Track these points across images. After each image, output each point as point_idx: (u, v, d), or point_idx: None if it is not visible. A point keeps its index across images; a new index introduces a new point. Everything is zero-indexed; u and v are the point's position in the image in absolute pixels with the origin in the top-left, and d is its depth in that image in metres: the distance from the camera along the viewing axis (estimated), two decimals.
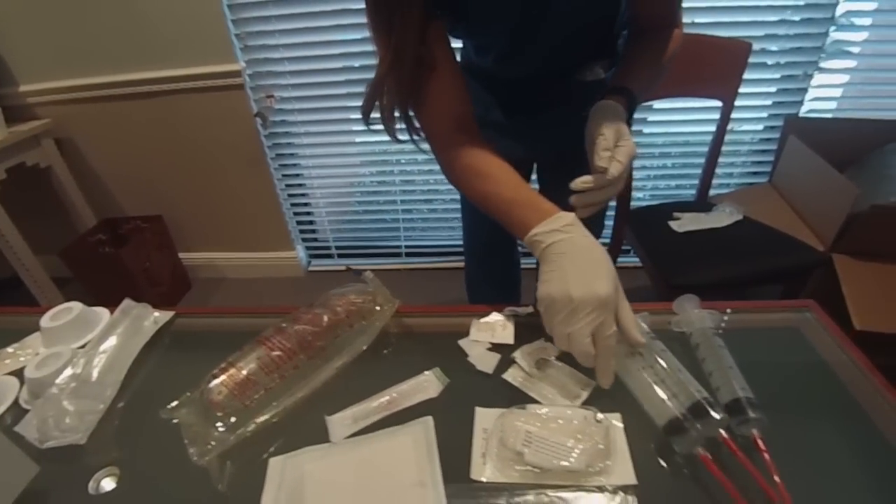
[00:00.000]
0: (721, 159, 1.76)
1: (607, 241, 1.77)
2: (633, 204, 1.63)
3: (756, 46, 1.62)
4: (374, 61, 0.66)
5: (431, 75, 0.66)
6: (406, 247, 2.28)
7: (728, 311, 0.74)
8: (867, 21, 1.64)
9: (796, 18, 1.62)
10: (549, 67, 0.82)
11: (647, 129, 1.91)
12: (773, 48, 1.68)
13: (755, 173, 1.96)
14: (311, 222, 2.28)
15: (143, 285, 2.00)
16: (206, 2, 1.67)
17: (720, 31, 1.56)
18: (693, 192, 1.73)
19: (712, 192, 1.80)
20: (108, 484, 0.57)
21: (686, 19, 1.68)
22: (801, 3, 1.59)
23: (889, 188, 1.41)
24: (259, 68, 1.83)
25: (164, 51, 1.77)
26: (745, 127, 1.89)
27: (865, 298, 1.29)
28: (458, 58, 0.96)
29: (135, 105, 1.88)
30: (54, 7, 1.71)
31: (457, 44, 0.85)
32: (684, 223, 1.51)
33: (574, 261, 0.55)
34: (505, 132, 0.90)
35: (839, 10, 1.59)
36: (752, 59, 1.42)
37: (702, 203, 1.67)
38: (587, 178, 0.63)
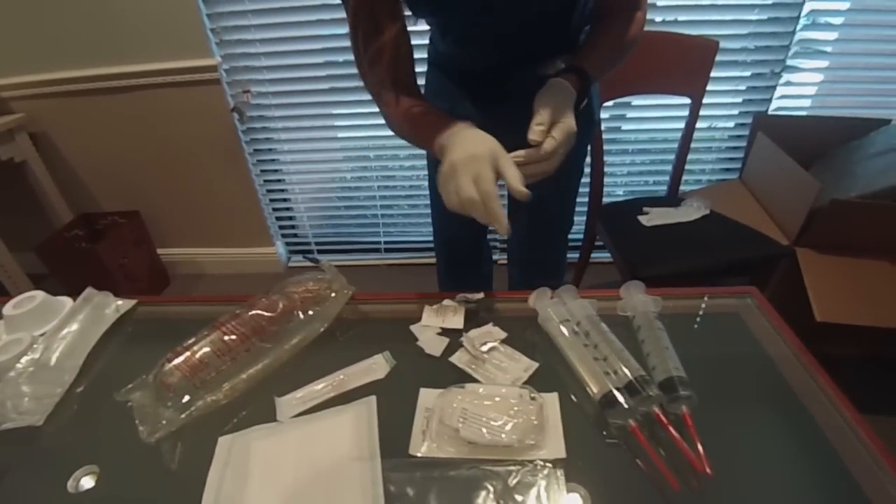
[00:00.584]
0: (694, 156, 1.79)
1: (580, 236, 1.80)
2: (607, 199, 1.66)
3: (726, 45, 1.66)
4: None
5: (381, 39, 0.71)
6: (385, 242, 2.30)
7: (670, 297, 0.77)
8: (836, 20, 1.68)
9: (763, 17, 1.66)
10: (508, 58, 0.85)
11: (624, 126, 1.94)
12: (741, 46, 1.71)
13: (727, 169, 1.99)
14: (290, 218, 2.28)
15: (120, 281, 2.00)
16: None
17: (690, 29, 1.59)
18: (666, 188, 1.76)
19: (685, 187, 1.83)
20: (65, 464, 0.58)
21: (657, 17, 1.72)
22: (769, 2, 1.63)
23: (850, 184, 1.44)
24: (235, 63, 1.83)
25: (139, 45, 1.77)
26: (718, 124, 1.93)
27: (827, 291, 1.32)
28: (427, 52, 1.00)
29: (110, 99, 1.88)
30: (28, 0, 1.71)
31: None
32: (652, 218, 1.54)
33: (459, 142, 0.65)
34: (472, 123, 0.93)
35: (805, 10, 1.63)
36: (723, 58, 1.44)
37: (672, 198, 1.70)
38: (520, 152, 0.66)
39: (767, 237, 1.44)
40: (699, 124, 1.58)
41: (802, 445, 0.54)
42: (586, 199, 1.64)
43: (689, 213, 1.54)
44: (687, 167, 1.69)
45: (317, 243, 2.34)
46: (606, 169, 1.71)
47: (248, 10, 1.72)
